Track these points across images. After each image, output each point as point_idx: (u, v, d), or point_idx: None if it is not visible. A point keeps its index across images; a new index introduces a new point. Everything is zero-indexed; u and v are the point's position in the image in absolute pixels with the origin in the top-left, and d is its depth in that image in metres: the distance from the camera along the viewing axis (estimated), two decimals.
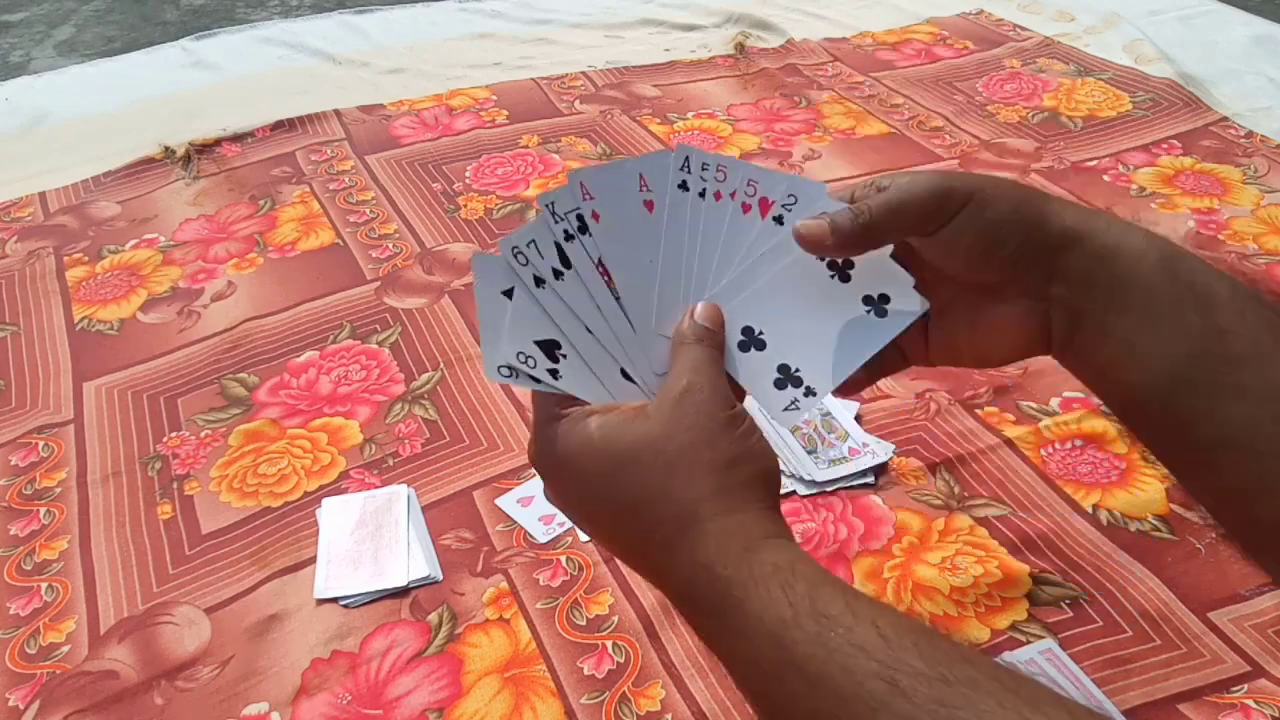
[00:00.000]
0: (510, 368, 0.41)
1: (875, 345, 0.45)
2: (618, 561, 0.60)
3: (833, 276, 0.45)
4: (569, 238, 0.43)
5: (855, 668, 0.32)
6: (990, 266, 0.43)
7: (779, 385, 0.44)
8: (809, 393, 0.44)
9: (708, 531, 0.37)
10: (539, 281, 0.42)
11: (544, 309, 0.42)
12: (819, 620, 0.33)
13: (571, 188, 0.43)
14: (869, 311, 0.45)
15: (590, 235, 0.43)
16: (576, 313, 0.43)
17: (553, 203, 0.43)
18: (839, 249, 0.43)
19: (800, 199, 0.45)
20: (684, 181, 0.45)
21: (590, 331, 0.43)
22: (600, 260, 0.43)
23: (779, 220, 0.45)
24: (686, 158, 0.45)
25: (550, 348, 0.42)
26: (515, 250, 0.42)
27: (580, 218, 0.43)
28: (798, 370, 0.44)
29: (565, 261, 0.43)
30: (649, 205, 0.44)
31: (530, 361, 0.41)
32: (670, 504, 0.38)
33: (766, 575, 0.35)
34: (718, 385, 0.40)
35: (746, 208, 0.45)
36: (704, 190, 0.45)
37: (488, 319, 0.41)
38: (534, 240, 0.42)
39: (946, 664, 0.32)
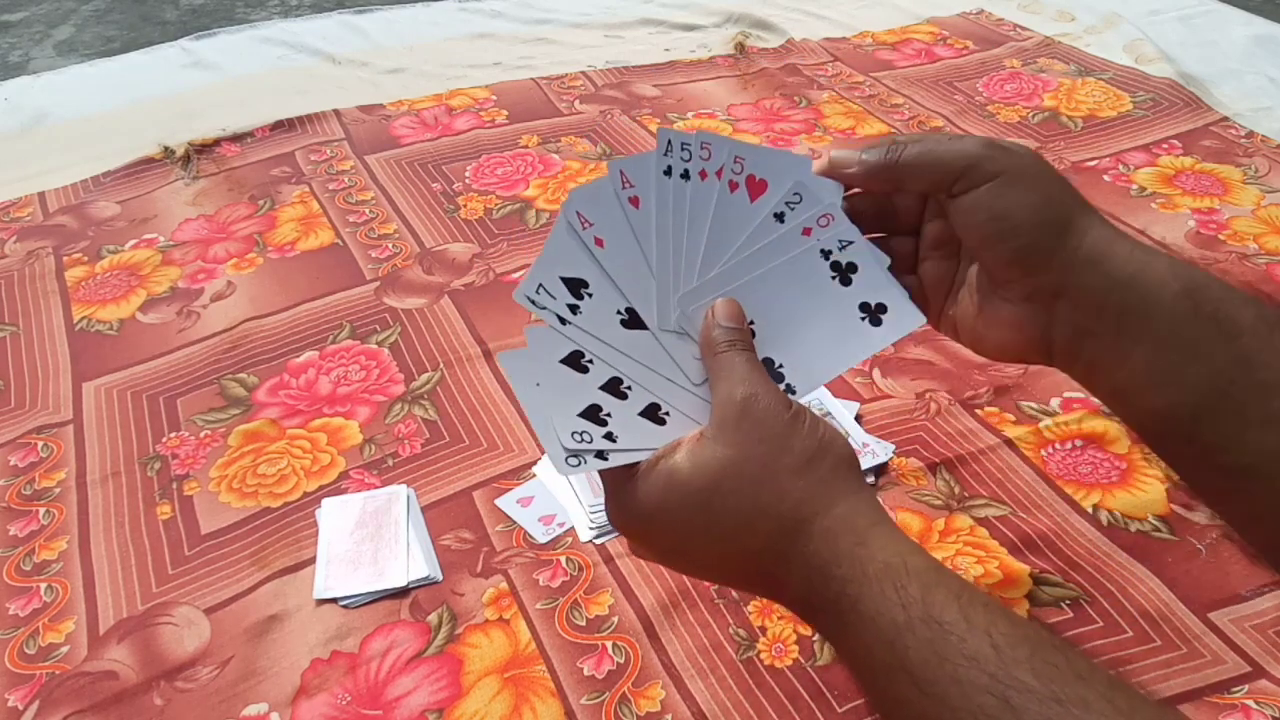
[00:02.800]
0: (577, 455, 0.41)
1: (863, 355, 0.45)
2: (621, 562, 0.60)
3: (834, 278, 0.45)
4: (574, 281, 0.43)
5: (966, 679, 0.32)
6: (997, 252, 0.42)
7: None
8: (788, 390, 0.44)
9: (814, 533, 0.37)
10: (562, 320, 0.43)
11: (575, 367, 0.43)
12: (932, 626, 0.34)
13: (569, 217, 0.43)
14: (864, 319, 0.45)
15: (598, 262, 0.43)
16: (602, 340, 0.43)
17: (556, 247, 0.43)
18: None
19: (805, 199, 0.45)
20: (668, 167, 0.44)
21: (617, 351, 0.43)
22: (614, 282, 0.44)
23: (780, 217, 0.45)
24: (668, 140, 0.44)
25: (593, 413, 0.42)
26: (529, 298, 0.43)
27: (586, 246, 0.43)
28: (781, 367, 0.44)
29: (578, 294, 0.43)
30: (635, 202, 0.44)
31: (586, 436, 0.41)
32: (769, 518, 0.38)
33: (880, 573, 0.36)
34: (769, 387, 0.40)
35: (734, 186, 0.44)
36: (687, 171, 0.44)
37: (536, 415, 0.42)
38: (542, 284, 0.43)
39: (1060, 682, 0.31)
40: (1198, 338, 0.38)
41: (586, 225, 0.43)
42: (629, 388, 0.43)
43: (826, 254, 0.45)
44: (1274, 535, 0.39)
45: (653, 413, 0.43)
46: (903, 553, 0.36)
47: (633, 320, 0.43)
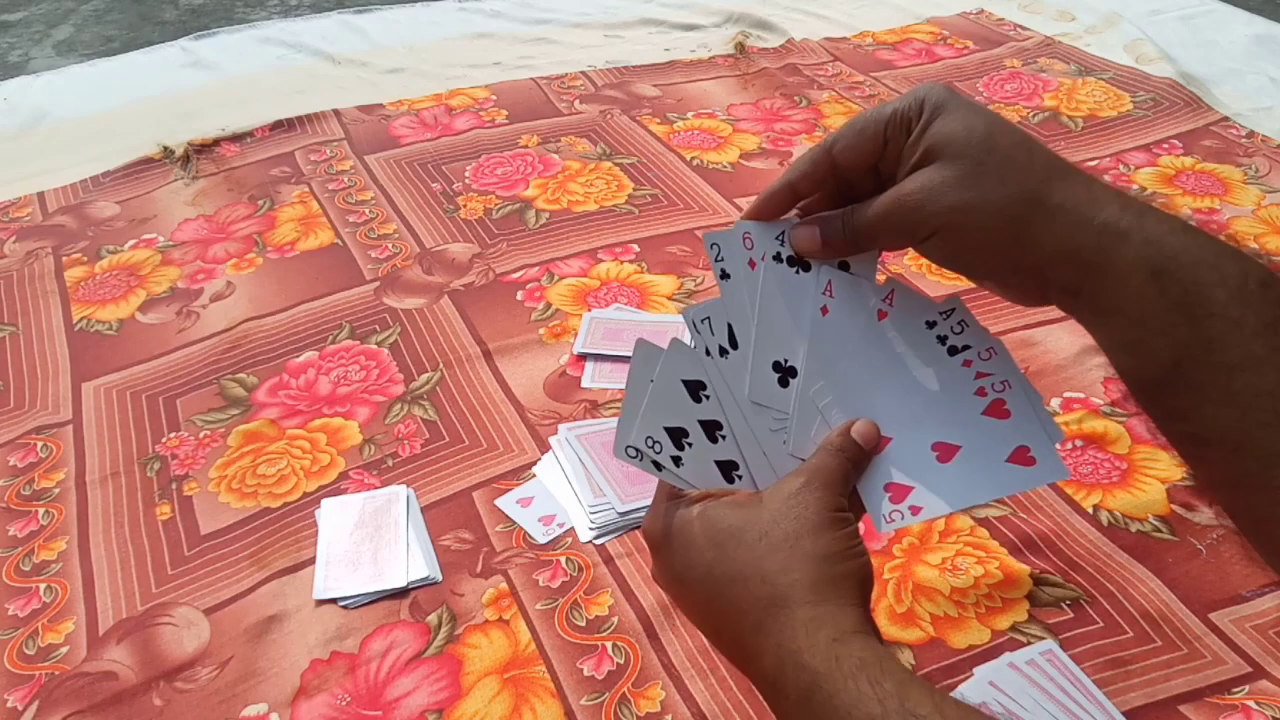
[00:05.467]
0: (636, 449, 0.43)
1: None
2: (621, 562, 0.60)
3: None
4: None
5: None
6: (968, 276, 0.43)
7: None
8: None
9: (797, 617, 0.38)
10: (708, 352, 0.44)
11: (691, 394, 0.44)
12: (907, 719, 0.34)
13: (819, 281, 0.45)
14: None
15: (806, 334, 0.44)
16: (731, 391, 0.44)
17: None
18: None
19: (970, 328, 0.45)
20: (932, 322, 0.45)
21: (736, 404, 0.44)
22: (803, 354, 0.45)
23: (942, 340, 0.45)
24: (941, 311, 0.45)
25: (678, 435, 0.43)
26: (694, 323, 0.44)
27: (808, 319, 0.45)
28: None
29: (733, 343, 0.44)
30: (881, 315, 0.45)
31: (656, 446, 0.43)
32: (765, 584, 0.39)
33: (855, 669, 0.36)
34: (833, 487, 0.41)
35: (983, 392, 0.44)
36: (947, 339, 0.45)
37: (630, 402, 0.43)
38: (709, 317, 0.44)
39: None
40: (1161, 319, 0.39)
41: (829, 295, 0.45)
42: (724, 436, 0.44)
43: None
44: (1232, 503, 0.39)
45: (728, 468, 0.44)
46: (879, 655, 0.37)
47: (784, 378, 0.45)
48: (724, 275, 0.44)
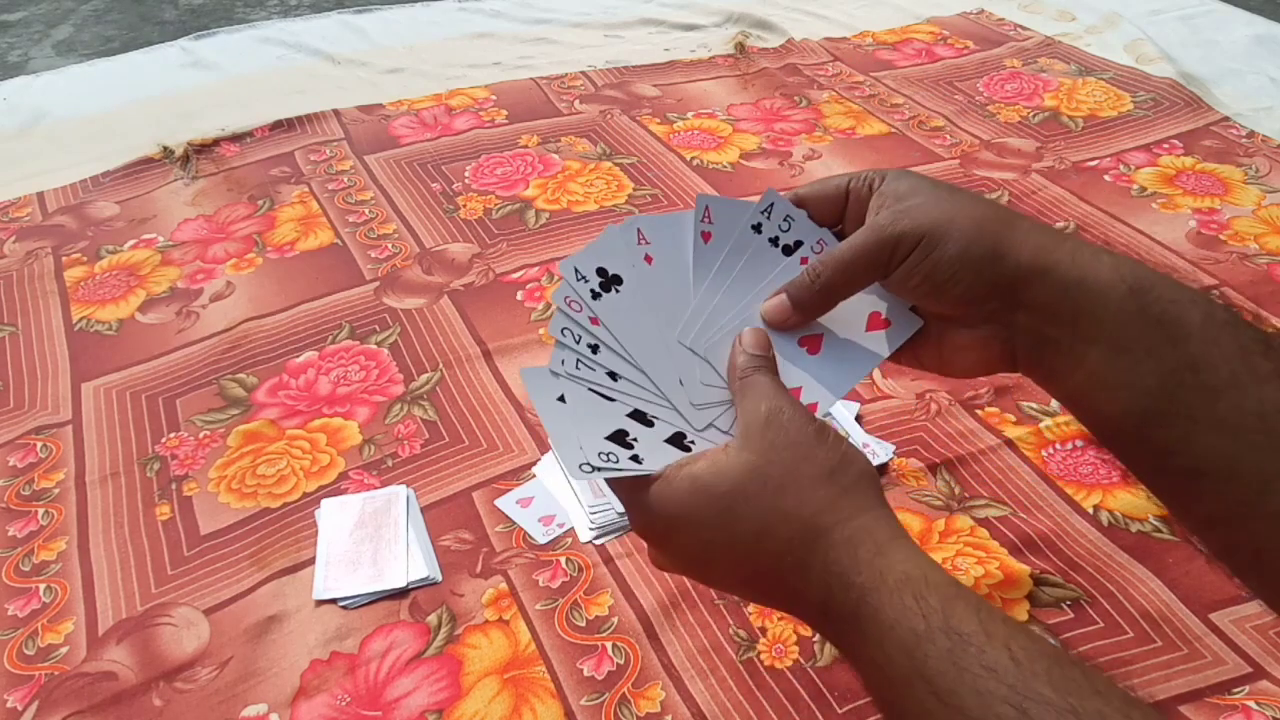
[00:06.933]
0: (591, 465, 0.41)
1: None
2: (621, 562, 0.60)
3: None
4: (596, 295, 0.44)
5: (985, 690, 0.32)
6: (942, 302, 0.43)
7: None
8: (811, 409, 0.44)
9: (835, 541, 0.38)
10: (577, 339, 0.43)
11: (600, 382, 0.43)
12: (951, 637, 0.34)
13: (626, 234, 0.45)
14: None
15: (620, 289, 0.44)
16: (626, 371, 0.43)
17: (574, 268, 0.44)
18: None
19: (797, 222, 0.45)
20: (759, 224, 0.45)
21: (643, 390, 0.43)
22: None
23: (775, 242, 0.45)
24: (771, 204, 0.45)
25: (620, 437, 0.42)
26: (564, 330, 0.43)
27: (603, 272, 0.44)
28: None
29: (609, 285, 0.44)
30: (706, 236, 0.45)
31: (612, 458, 0.42)
32: (791, 523, 0.38)
33: (900, 583, 0.36)
34: (793, 403, 0.41)
35: (805, 261, 0.45)
36: (778, 240, 0.45)
37: (556, 428, 0.42)
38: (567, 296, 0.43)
39: (1078, 695, 0.31)
40: (1146, 340, 0.38)
41: (645, 242, 0.45)
42: (655, 419, 0.43)
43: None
44: (1228, 538, 0.39)
45: (678, 440, 0.43)
46: (922, 566, 0.37)
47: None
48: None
